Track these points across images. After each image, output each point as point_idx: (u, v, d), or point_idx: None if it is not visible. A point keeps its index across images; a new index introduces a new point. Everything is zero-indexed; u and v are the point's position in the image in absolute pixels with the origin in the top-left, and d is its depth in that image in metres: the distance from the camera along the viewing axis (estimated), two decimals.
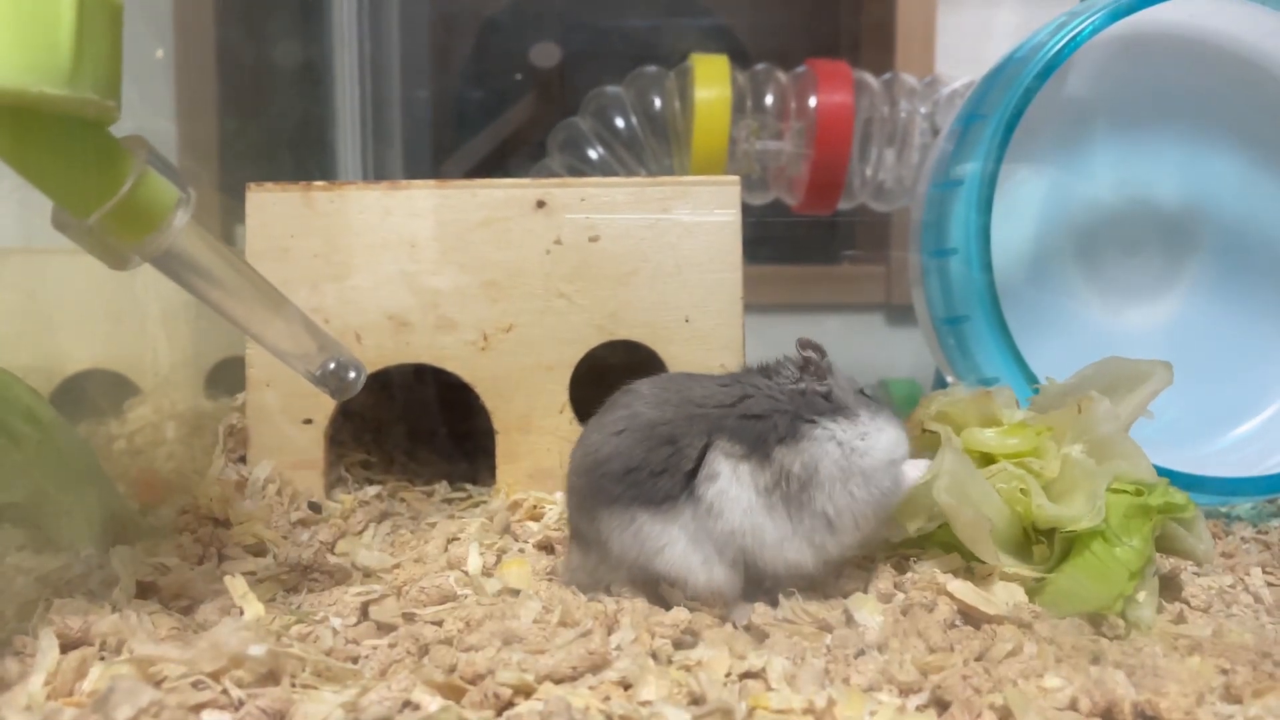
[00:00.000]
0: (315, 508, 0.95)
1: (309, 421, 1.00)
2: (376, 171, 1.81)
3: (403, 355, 1.00)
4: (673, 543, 0.71)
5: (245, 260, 0.71)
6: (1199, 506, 0.77)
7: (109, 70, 0.58)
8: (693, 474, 0.71)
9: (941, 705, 0.58)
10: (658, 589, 0.72)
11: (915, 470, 0.76)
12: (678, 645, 0.66)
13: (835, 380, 0.76)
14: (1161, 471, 0.85)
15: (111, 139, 0.60)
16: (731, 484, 0.71)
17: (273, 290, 0.69)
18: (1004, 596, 0.72)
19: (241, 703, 0.55)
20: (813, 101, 1.54)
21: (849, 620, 0.70)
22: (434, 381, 1.17)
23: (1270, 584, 0.85)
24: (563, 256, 1.00)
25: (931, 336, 1.18)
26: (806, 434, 0.72)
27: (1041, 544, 0.75)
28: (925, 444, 0.80)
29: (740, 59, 1.60)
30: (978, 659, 0.64)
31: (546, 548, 0.88)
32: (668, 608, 0.70)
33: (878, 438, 0.74)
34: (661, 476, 0.71)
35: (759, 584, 0.73)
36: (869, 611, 0.70)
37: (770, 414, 0.73)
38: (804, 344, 0.77)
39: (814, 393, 0.75)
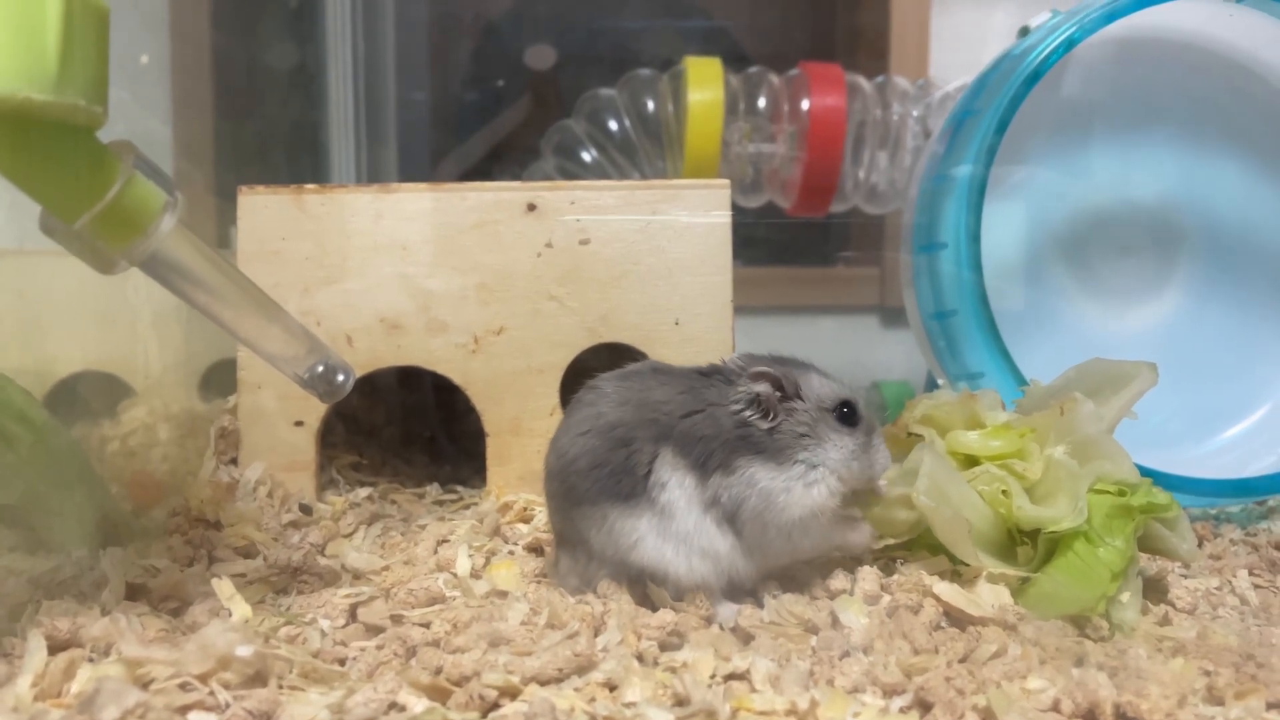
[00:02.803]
0: (306, 510, 0.96)
1: (300, 424, 1.00)
2: (371, 174, 1.81)
3: (394, 358, 1.01)
4: (643, 537, 0.72)
5: (234, 264, 0.71)
6: (1185, 508, 0.78)
7: (96, 75, 0.58)
8: (647, 476, 0.73)
9: (925, 707, 0.59)
10: (644, 585, 0.73)
11: (857, 535, 0.77)
12: (664, 647, 0.66)
13: (798, 404, 0.75)
14: (1151, 474, 0.85)
15: (98, 144, 0.60)
16: (678, 493, 0.72)
17: (261, 294, 0.69)
18: (989, 598, 0.72)
19: (228, 704, 0.55)
20: (806, 104, 1.54)
21: (834, 622, 0.70)
22: (426, 384, 1.17)
23: (1257, 586, 0.85)
24: (553, 259, 1.01)
25: (922, 337, 1.18)
26: (737, 470, 0.72)
27: (1026, 545, 0.75)
28: (911, 448, 0.80)
29: (734, 62, 1.60)
30: (961, 661, 0.64)
31: (536, 550, 0.88)
32: (654, 609, 0.71)
33: (802, 494, 0.73)
34: (623, 475, 0.73)
35: (740, 585, 0.74)
36: (854, 613, 0.70)
37: (712, 438, 0.73)
38: (756, 375, 0.74)
39: (756, 428, 0.73)
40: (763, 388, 0.74)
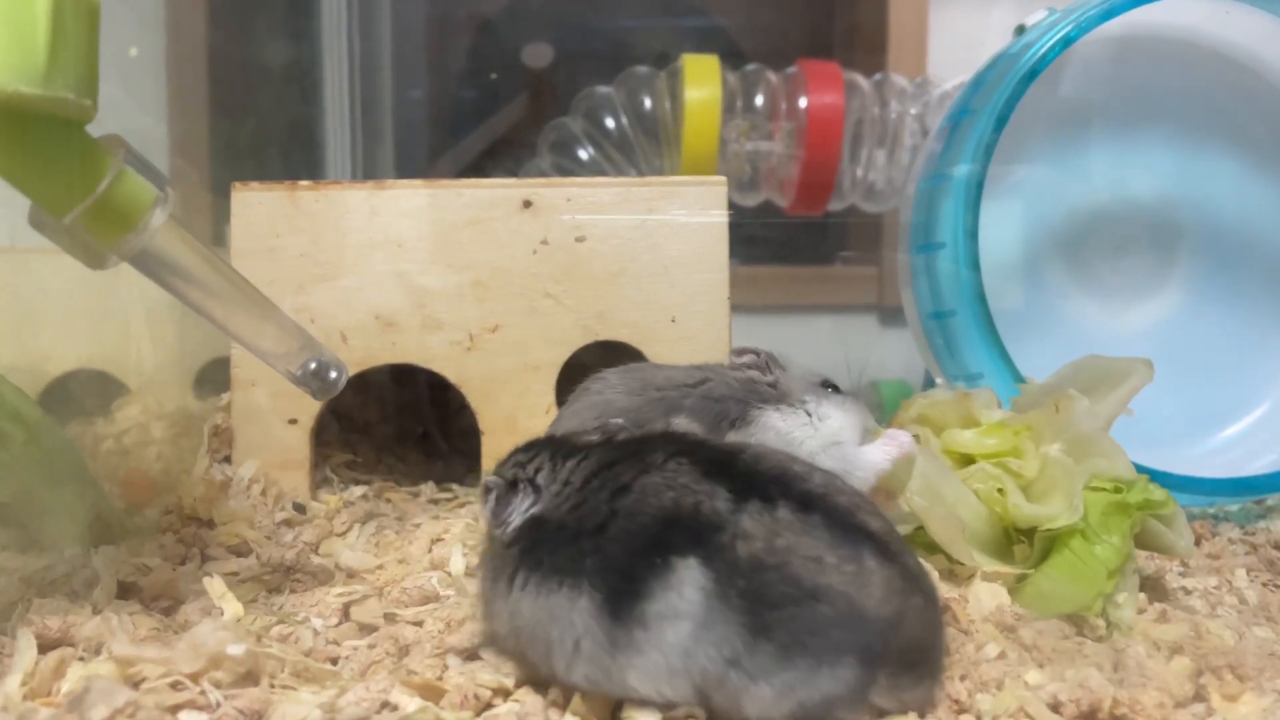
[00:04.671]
0: (299, 508, 0.95)
1: (294, 421, 1.00)
2: (367, 171, 1.81)
3: (389, 355, 1.00)
4: None
5: (227, 260, 0.71)
6: (1184, 507, 0.78)
7: (85, 69, 0.58)
8: None
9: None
10: None
11: (878, 451, 0.79)
12: None
13: (785, 375, 0.82)
14: (1150, 472, 0.85)
15: (88, 138, 0.60)
16: None
17: (254, 290, 0.69)
18: (987, 598, 0.72)
19: (219, 704, 0.55)
20: (803, 102, 1.54)
21: None
22: (420, 382, 1.17)
23: (1256, 585, 0.85)
24: (549, 257, 1.00)
25: (920, 337, 1.18)
26: (754, 419, 0.77)
27: (1022, 544, 0.75)
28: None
29: (731, 59, 1.60)
30: (959, 661, 0.64)
31: None
32: None
33: (817, 425, 0.78)
34: None
35: None
36: None
37: (726, 398, 0.78)
38: (739, 351, 0.83)
39: (761, 383, 0.80)
40: (748, 359, 0.82)
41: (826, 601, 0.53)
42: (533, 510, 0.60)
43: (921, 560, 0.77)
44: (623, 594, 0.54)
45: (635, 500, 0.57)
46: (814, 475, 0.59)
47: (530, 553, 0.59)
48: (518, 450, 0.65)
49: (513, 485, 0.61)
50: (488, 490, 0.62)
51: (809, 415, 0.79)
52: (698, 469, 0.58)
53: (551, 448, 0.64)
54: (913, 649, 0.55)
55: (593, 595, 0.55)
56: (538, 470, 0.62)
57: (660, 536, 0.55)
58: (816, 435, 0.78)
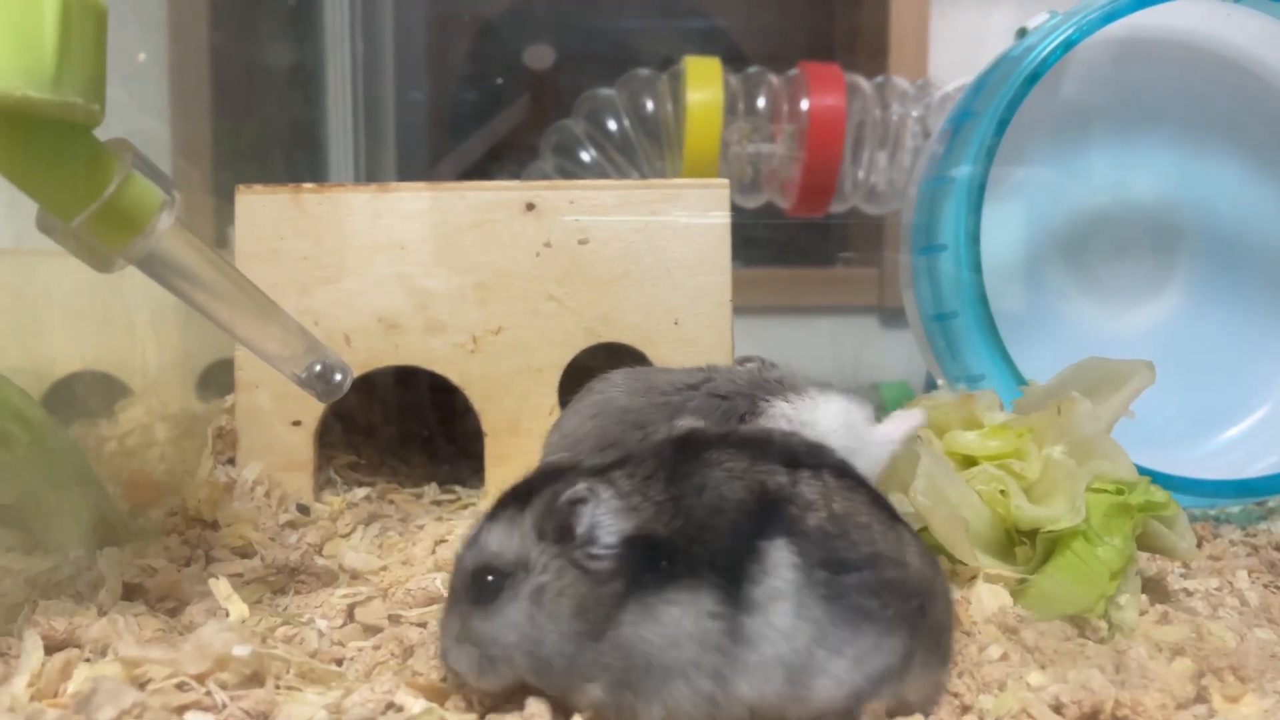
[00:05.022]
0: (303, 510, 0.96)
1: (298, 423, 1.00)
2: (370, 173, 1.81)
3: (393, 357, 1.00)
4: None
5: (231, 263, 0.71)
6: (1186, 509, 0.78)
7: (93, 73, 0.58)
8: None
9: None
10: None
11: (891, 427, 0.80)
12: None
13: (788, 371, 0.83)
14: (1151, 474, 0.85)
15: (96, 142, 0.60)
16: None
17: (259, 293, 0.69)
18: (989, 599, 0.72)
19: (225, 704, 0.55)
20: (805, 104, 1.54)
21: None
22: (423, 384, 1.17)
23: (1257, 586, 0.85)
24: (552, 259, 1.00)
25: (922, 339, 1.18)
26: (764, 411, 0.78)
27: (1024, 545, 0.75)
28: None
29: (733, 62, 1.60)
30: (961, 662, 0.64)
31: None
32: None
33: (825, 408, 0.79)
34: None
35: None
36: None
37: (734, 394, 0.79)
38: (742, 361, 0.86)
39: (768, 377, 0.81)
40: (754, 365, 0.84)
41: (882, 567, 0.54)
42: (627, 529, 0.54)
43: None
44: (733, 588, 0.53)
45: (714, 495, 0.55)
46: (832, 450, 0.61)
47: (642, 574, 0.53)
48: (552, 476, 0.58)
49: (586, 500, 0.55)
50: (569, 507, 0.54)
51: (817, 399, 0.80)
52: (744, 452, 0.58)
53: (606, 466, 0.58)
54: (939, 625, 0.56)
55: (713, 593, 0.52)
56: (612, 485, 0.56)
57: (750, 524, 0.54)
58: (828, 417, 0.79)
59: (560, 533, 0.54)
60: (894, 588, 0.54)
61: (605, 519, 0.54)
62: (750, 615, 0.52)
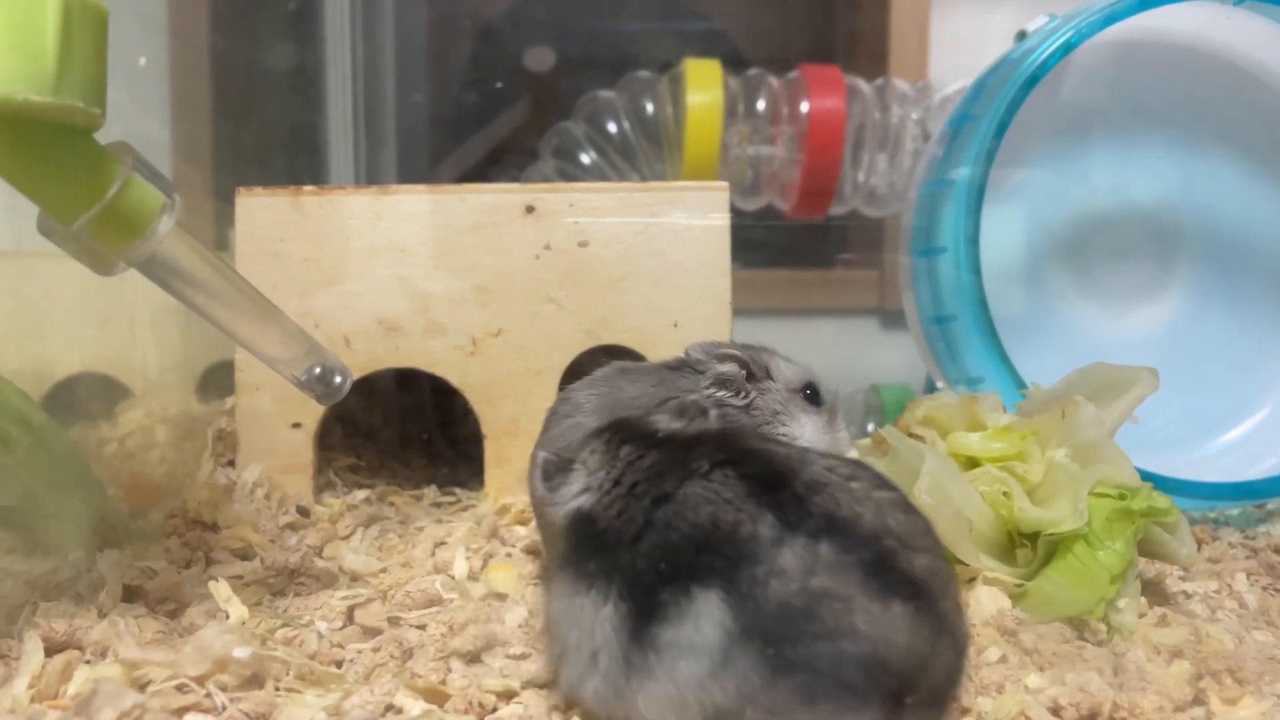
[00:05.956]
0: (303, 512, 0.96)
1: (298, 425, 1.00)
2: (370, 176, 1.81)
3: (393, 360, 1.00)
4: None
5: (232, 266, 0.71)
6: (1184, 511, 0.78)
7: (94, 77, 0.58)
8: None
9: None
10: None
11: None
12: None
13: (761, 389, 0.79)
14: (1150, 477, 0.85)
15: (96, 145, 0.60)
16: None
17: (259, 295, 0.69)
18: (988, 602, 0.72)
19: (225, 706, 0.55)
20: (805, 107, 1.54)
21: None
22: (424, 386, 1.17)
23: (1256, 589, 0.85)
24: (552, 261, 1.01)
25: (922, 341, 1.18)
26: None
27: (1025, 547, 0.75)
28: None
29: (733, 64, 1.60)
30: None
31: (534, 552, 0.88)
32: None
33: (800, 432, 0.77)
34: None
35: None
36: None
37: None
38: (722, 356, 0.79)
39: (731, 407, 0.77)
40: (729, 367, 0.78)
41: (851, 641, 0.49)
42: (580, 501, 0.59)
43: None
44: (644, 613, 0.51)
45: (673, 512, 0.54)
46: (864, 518, 0.53)
47: (574, 549, 0.58)
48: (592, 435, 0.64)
49: (566, 465, 0.61)
50: (540, 464, 0.61)
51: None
52: (744, 485, 0.54)
53: (610, 435, 0.62)
54: (937, 690, 0.52)
55: (618, 607, 0.52)
56: (592, 454, 0.61)
57: (690, 558, 0.52)
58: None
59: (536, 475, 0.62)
60: (866, 664, 0.49)
61: (570, 478, 0.61)
62: (657, 653, 0.51)
